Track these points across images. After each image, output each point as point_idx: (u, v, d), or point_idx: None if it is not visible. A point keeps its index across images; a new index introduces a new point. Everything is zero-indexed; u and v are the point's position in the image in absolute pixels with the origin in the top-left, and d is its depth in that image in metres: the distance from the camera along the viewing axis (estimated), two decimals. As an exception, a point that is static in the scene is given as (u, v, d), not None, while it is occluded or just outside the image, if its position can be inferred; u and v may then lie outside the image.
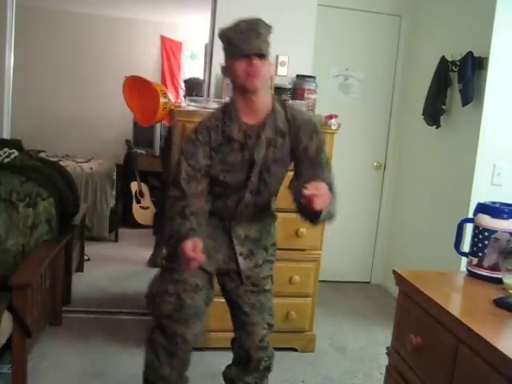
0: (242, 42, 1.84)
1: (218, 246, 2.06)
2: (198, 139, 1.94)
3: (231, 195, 2.01)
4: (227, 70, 1.94)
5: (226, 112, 1.96)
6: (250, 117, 1.94)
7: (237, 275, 2.11)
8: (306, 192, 1.65)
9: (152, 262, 4.37)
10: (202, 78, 4.89)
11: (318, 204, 1.66)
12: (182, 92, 6.21)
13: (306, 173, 1.93)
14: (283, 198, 2.89)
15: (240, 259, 2.08)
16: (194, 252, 1.75)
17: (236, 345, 2.19)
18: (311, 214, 1.81)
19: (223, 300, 2.63)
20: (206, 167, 1.94)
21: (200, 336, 2.10)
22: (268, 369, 2.20)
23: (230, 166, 1.95)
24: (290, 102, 3.13)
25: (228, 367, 2.28)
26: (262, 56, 1.85)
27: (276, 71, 3.35)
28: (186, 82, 5.23)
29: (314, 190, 1.66)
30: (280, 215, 2.92)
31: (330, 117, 2.86)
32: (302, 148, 1.96)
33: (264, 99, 1.94)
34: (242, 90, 1.90)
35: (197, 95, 4.01)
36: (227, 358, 2.86)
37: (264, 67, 1.87)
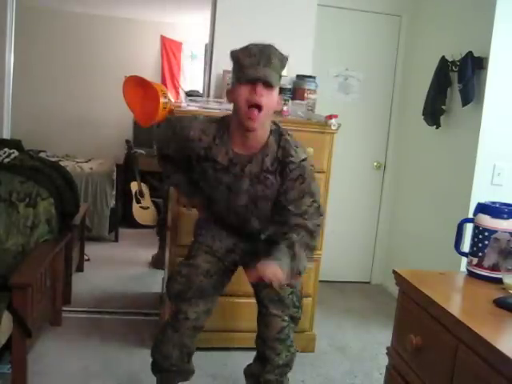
0: (250, 66, 1.75)
1: (229, 235, 2.17)
2: (177, 133, 2.01)
3: (218, 209, 2.11)
4: (231, 94, 1.85)
5: (220, 129, 1.92)
6: (241, 147, 1.89)
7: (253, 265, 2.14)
8: (253, 277, 1.81)
9: (155, 264, 4.34)
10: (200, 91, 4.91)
11: (270, 281, 1.75)
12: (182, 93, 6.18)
13: (279, 218, 1.97)
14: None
15: (259, 244, 2.13)
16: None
17: (258, 339, 2.22)
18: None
19: (223, 300, 2.63)
20: (178, 160, 2.12)
21: (202, 317, 2.17)
22: (287, 365, 2.19)
23: (207, 178, 2.00)
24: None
25: (249, 364, 2.31)
26: (269, 85, 1.76)
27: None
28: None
29: (260, 273, 1.74)
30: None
31: (330, 117, 2.86)
32: (282, 190, 1.91)
33: (261, 134, 1.86)
34: (240, 121, 1.83)
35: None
36: (229, 357, 2.87)
37: (269, 98, 1.77)
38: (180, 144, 2.01)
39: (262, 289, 2.12)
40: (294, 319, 2.17)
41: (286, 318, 2.13)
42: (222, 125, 1.94)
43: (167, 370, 2.20)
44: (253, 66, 1.74)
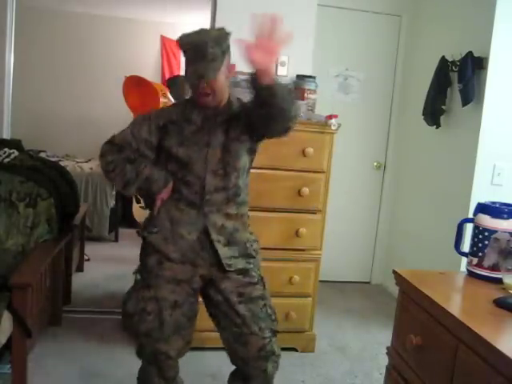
0: (189, 65, 1.88)
1: (186, 234, 1.98)
2: (146, 116, 2.04)
3: (193, 181, 1.96)
4: None
5: (189, 101, 2.05)
6: (209, 105, 1.98)
7: (224, 281, 2.00)
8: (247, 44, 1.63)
9: None
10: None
11: (261, 56, 1.64)
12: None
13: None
14: (283, 197, 2.90)
15: (218, 246, 1.97)
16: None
17: (233, 358, 2.11)
18: (264, 90, 1.74)
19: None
20: (145, 141, 1.99)
21: (184, 349, 2.07)
22: (275, 372, 2.11)
23: (185, 139, 1.97)
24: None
25: (233, 379, 2.19)
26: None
27: (276, 71, 3.35)
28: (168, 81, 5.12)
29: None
30: (280, 215, 2.94)
31: (330, 117, 2.86)
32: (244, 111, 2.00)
33: (220, 97, 1.97)
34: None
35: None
36: (227, 358, 2.86)
37: (215, 83, 1.88)
38: (154, 119, 2.01)
39: (232, 305, 2.00)
40: (275, 332, 2.06)
41: (267, 335, 2.01)
42: (188, 100, 2.09)
43: None
44: (191, 64, 1.88)
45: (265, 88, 1.72)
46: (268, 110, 1.80)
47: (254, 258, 2.07)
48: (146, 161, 2.02)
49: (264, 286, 2.07)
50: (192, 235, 1.98)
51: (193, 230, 1.98)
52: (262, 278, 2.08)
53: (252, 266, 2.05)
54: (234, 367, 2.20)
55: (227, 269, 1.99)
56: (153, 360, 2.03)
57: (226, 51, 1.92)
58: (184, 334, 2.02)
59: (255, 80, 1.72)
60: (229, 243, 2.01)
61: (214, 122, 1.98)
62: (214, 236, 1.98)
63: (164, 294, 1.96)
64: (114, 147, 2.03)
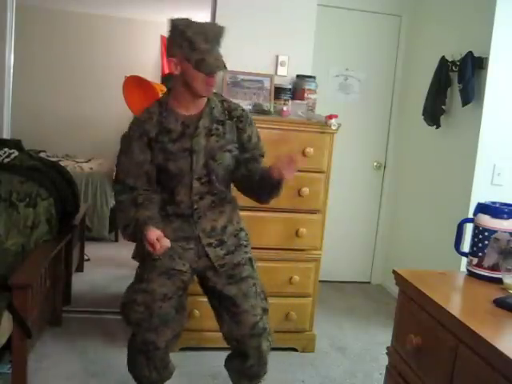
0: (207, 52, 1.90)
1: (185, 245, 2.08)
2: (130, 136, 2.03)
3: (180, 188, 2.03)
4: (182, 70, 1.96)
5: (163, 104, 2.05)
6: (188, 108, 2.02)
7: (212, 271, 2.11)
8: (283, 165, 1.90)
9: None
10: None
11: (290, 173, 1.91)
12: None
13: (251, 164, 2.12)
14: (283, 197, 2.89)
15: (209, 249, 2.08)
16: (158, 239, 1.86)
17: (228, 338, 2.18)
18: (274, 186, 2.01)
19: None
20: (145, 161, 2.01)
21: (173, 341, 2.14)
22: (267, 353, 2.20)
23: (170, 154, 2.00)
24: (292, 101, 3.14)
25: (229, 359, 2.29)
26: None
27: (276, 71, 3.35)
28: None
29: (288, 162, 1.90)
30: (280, 215, 2.94)
31: (330, 117, 2.86)
32: (246, 137, 2.10)
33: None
34: (193, 93, 1.98)
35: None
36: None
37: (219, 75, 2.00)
38: (139, 138, 2.01)
39: (222, 288, 2.10)
40: (266, 310, 2.16)
41: (258, 312, 2.11)
42: (161, 101, 2.08)
43: None
44: (210, 53, 1.91)
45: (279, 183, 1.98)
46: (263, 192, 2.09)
47: (247, 246, 2.17)
48: (149, 196, 2.02)
49: (252, 266, 2.16)
50: (190, 244, 2.08)
51: (190, 240, 2.08)
52: (250, 259, 2.17)
53: (246, 254, 2.16)
54: None
55: (220, 269, 2.09)
56: (142, 350, 2.09)
57: None
58: (173, 327, 2.08)
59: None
60: (221, 242, 2.10)
61: (196, 127, 2.01)
62: (205, 240, 2.07)
63: (154, 287, 2.02)
64: (121, 187, 2.05)
